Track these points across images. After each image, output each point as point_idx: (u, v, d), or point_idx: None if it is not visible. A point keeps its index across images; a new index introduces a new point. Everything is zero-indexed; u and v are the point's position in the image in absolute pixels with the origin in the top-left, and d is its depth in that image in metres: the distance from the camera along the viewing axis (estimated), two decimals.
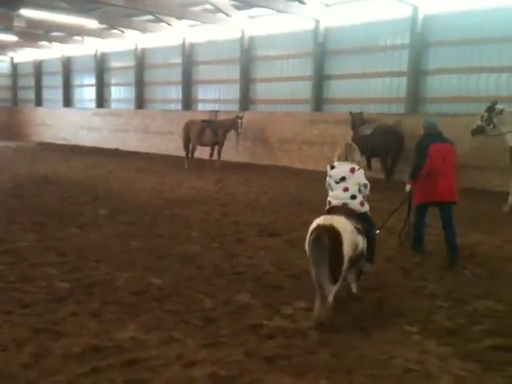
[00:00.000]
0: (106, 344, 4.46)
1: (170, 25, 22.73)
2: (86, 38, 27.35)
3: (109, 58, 28.38)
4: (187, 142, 17.89)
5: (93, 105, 29.24)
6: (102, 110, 27.87)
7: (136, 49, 25.93)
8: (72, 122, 28.99)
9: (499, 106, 11.55)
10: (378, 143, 14.24)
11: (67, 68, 31.12)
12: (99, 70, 28.57)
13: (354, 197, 5.54)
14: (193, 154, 18.01)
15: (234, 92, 22.00)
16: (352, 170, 5.56)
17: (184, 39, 23.39)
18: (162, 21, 22.62)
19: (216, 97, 23.14)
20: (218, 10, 19.88)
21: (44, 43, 29.81)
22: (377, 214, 7.04)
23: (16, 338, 4.52)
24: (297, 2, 17.65)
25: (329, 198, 5.77)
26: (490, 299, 5.79)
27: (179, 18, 21.45)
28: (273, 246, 7.89)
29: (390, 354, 4.40)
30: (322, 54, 18.59)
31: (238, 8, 19.84)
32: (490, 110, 11.55)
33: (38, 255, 7.10)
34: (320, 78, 18.73)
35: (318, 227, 5.00)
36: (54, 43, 29.11)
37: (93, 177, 15.28)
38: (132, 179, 14.97)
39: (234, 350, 4.41)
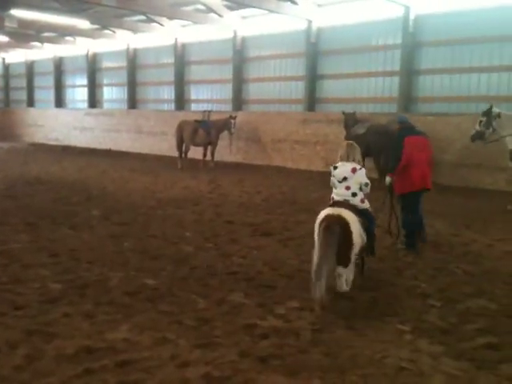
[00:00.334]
0: (99, 345, 4.45)
1: (161, 25, 22.69)
2: (78, 39, 27.27)
3: (101, 58, 28.29)
4: (180, 142, 17.87)
5: (85, 105, 29.15)
6: (94, 111, 27.78)
7: (128, 49, 25.86)
8: (64, 123, 28.88)
9: (496, 110, 11.58)
10: (370, 143, 14.28)
11: (59, 68, 31.01)
12: (91, 70, 28.47)
13: (354, 194, 5.87)
14: (186, 154, 18.00)
15: (226, 92, 22.00)
16: (353, 170, 5.88)
17: (176, 39, 23.36)
18: (153, 21, 22.57)
19: (209, 97, 23.12)
20: (210, 10, 19.87)
21: (36, 44, 29.70)
22: None
23: (8, 340, 4.50)
24: (289, 3, 17.67)
25: (332, 195, 6.11)
26: (483, 298, 5.82)
27: (171, 18, 21.42)
28: (266, 246, 7.90)
29: (383, 353, 4.41)
30: (314, 53, 18.62)
31: (230, 8, 19.83)
32: (488, 113, 11.57)
33: (30, 256, 7.08)
34: (313, 78, 18.76)
35: (328, 217, 5.43)
36: (45, 44, 29.00)
37: (85, 177, 15.23)
38: (125, 179, 14.93)
39: (227, 350, 4.42)
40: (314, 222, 5.69)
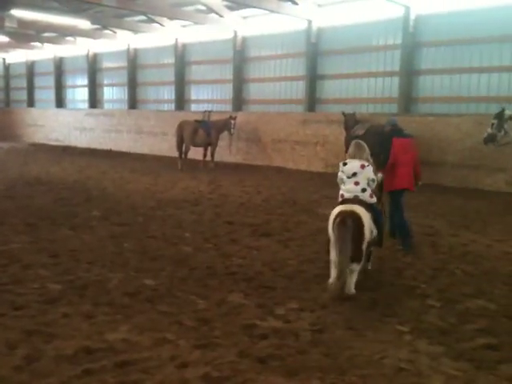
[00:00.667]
0: (98, 346, 4.45)
1: (162, 25, 22.70)
2: (78, 39, 27.30)
3: (101, 58, 28.32)
4: (180, 142, 17.87)
5: (85, 105, 29.17)
6: (94, 111, 27.81)
7: (128, 49, 25.88)
8: (64, 123, 28.91)
9: (508, 112, 11.61)
10: (370, 143, 14.25)
11: (59, 68, 31.04)
12: (91, 70, 28.50)
13: (364, 190, 6.06)
14: (186, 154, 18.00)
15: (226, 92, 22.02)
16: (362, 167, 6.10)
17: (176, 39, 23.37)
18: (154, 21, 22.59)
19: (209, 97, 23.14)
20: (210, 10, 19.88)
21: (36, 44, 29.73)
22: None
23: (8, 340, 4.50)
24: (289, 3, 17.68)
25: (341, 192, 6.24)
26: (482, 298, 5.82)
27: (171, 18, 21.44)
28: (266, 247, 7.90)
29: (382, 354, 4.41)
30: (314, 54, 18.63)
31: (231, 8, 19.85)
32: (500, 116, 11.60)
33: (30, 257, 7.07)
34: (313, 78, 18.77)
35: (342, 212, 5.67)
36: (46, 44, 29.04)
37: (86, 178, 15.23)
38: (125, 180, 14.94)
39: (227, 351, 4.42)
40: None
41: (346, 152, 6.89)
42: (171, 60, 23.99)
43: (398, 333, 4.88)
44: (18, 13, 19.63)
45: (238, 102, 21.40)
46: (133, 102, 26.36)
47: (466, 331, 4.95)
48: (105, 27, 24.84)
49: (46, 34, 27.25)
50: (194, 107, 23.57)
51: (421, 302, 5.70)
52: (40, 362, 4.19)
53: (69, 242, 7.95)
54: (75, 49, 28.81)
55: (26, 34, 26.95)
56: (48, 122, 30.18)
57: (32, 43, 29.62)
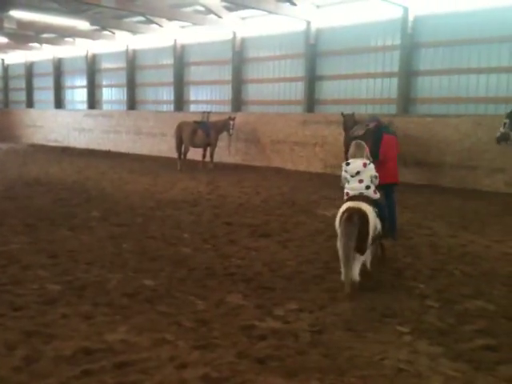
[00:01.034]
0: (97, 346, 4.45)
1: (161, 26, 22.71)
2: (77, 40, 27.29)
3: (100, 59, 28.31)
4: (180, 143, 17.87)
5: (84, 106, 29.17)
6: (93, 112, 27.79)
7: (127, 50, 25.88)
8: (63, 124, 28.88)
9: None
10: (369, 144, 14.26)
11: (58, 69, 31.04)
12: (90, 71, 28.50)
13: (368, 187, 6.38)
14: (185, 155, 18.00)
15: (225, 93, 22.03)
16: (365, 165, 6.41)
17: (175, 40, 23.38)
18: (152, 22, 22.59)
19: (208, 98, 23.15)
20: (209, 11, 19.89)
21: (35, 45, 29.71)
22: None
23: (7, 341, 4.50)
24: (288, 4, 17.70)
25: (346, 190, 6.53)
26: (481, 299, 5.82)
27: (170, 19, 21.45)
28: (265, 247, 7.90)
29: (382, 355, 4.41)
30: (313, 54, 18.65)
31: (230, 9, 19.86)
32: None
33: (29, 257, 7.07)
34: (312, 79, 18.78)
35: (349, 209, 5.95)
36: (44, 45, 29.01)
37: (85, 178, 15.23)
38: (124, 181, 14.93)
39: (225, 352, 4.42)
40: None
41: (346, 153, 7.16)
42: (170, 61, 24.00)
43: (398, 333, 4.88)
44: (16, 14, 19.65)
45: (237, 102, 21.41)
46: (132, 103, 26.36)
47: (464, 332, 4.96)
48: (104, 28, 24.84)
49: (44, 35, 27.23)
50: (193, 108, 23.58)
51: (420, 302, 5.70)
52: (39, 362, 4.19)
53: (68, 242, 7.95)
54: (74, 50, 28.81)
55: (24, 35, 26.94)
56: (47, 123, 30.16)
57: (31, 44, 29.61)
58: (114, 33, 25.30)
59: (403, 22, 16.01)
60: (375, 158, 7.94)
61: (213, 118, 18.71)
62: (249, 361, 4.27)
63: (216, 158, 18.53)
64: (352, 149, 6.69)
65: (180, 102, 23.96)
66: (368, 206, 6.07)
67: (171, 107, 24.38)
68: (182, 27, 22.79)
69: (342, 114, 15.80)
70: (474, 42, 14.86)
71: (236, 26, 20.57)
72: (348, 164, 6.48)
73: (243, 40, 21.03)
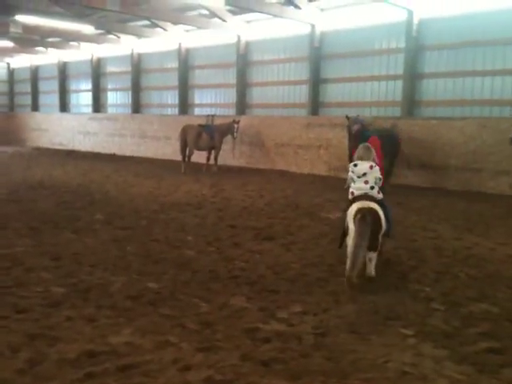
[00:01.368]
0: (101, 349, 4.44)
1: (165, 30, 22.78)
2: (82, 44, 27.41)
3: (105, 63, 28.42)
4: (184, 146, 17.92)
5: (89, 110, 29.28)
6: (98, 115, 27.89)
7: (132, 54, 25.97)
8: (68, 127, 29.00)
9: None
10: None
11: (63, 73, 31.16)
12: (95, 75, 28.61)
13: (372, 188, 6.62)
14: (189, 158, 18.03)
15: (230, 96, 22.07)
16: (371, 167, 6.68)
17: (180, 44, 23.44)
18: (157, 26, 22.67)
19: (212, 101, 23.19)
20: (213, 15, 19.93)
21: (40, 49, 29.84)
22: None
23: (11, 344, 4.50)
24: (292, 7, 17.72)
25: (351, 190, 6.78)
26: (486, 302, 5.79)
27: (175, 23, 21.51)
28: (269, 250, 7.88)
29: (386, 358, 4.39)
30: (317, 58, 18.66)
31: (234, 13, 19.90)
32: None
33: (33, 260, 7.08)
34: (316, 82, 18.79)
35: (362, 209, 6.21)
36: (50, 49, 29.13)
37: (89, 182, 15.26)
38: (128, 184, 14.95)
39: (229, 354, 4.40)
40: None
41: (351, 155, 7.32)
42: (175, 64, 24.07)
43: (402, 336, 4.85)
44: (22, 18, 19.74)
45: (242, 106, 21.43)
46: (136, 107, 26.44)
47: (469, 335, 4.93)
48: (108, 32, 24.93)
49: (50, 39, 27.34)
50: (197, 111, 23.63)
51: (425, 305, 5.68)
52: (43, 365, 4.18)
53: (72, 245, 7.95)
54: (79, 53, 28.94)
55: (30, 39, 27.06)
56: (52, 127, 30.28)
57: (36, 48, 29.73)
58: (118, 37, 25.39)
59: (408, 25, 16.00)
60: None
61: (217, 122, 18.74)
62: (252, 363, 4.26)
63: (220, 161, 18.54)
64: (360, 151, 6.94)
65: (184, 106, 24.00)
66: (375, 205, 6.35)
67: (176, 111, 24.44)
68: (187, 31, 22.86)
69: (347, 116, 15.78)
70: (479, 45, 14.83)
71: (240, 29, 20.61)
72: (356, 165, 6.74)
73: (247, 43, 21.07)
